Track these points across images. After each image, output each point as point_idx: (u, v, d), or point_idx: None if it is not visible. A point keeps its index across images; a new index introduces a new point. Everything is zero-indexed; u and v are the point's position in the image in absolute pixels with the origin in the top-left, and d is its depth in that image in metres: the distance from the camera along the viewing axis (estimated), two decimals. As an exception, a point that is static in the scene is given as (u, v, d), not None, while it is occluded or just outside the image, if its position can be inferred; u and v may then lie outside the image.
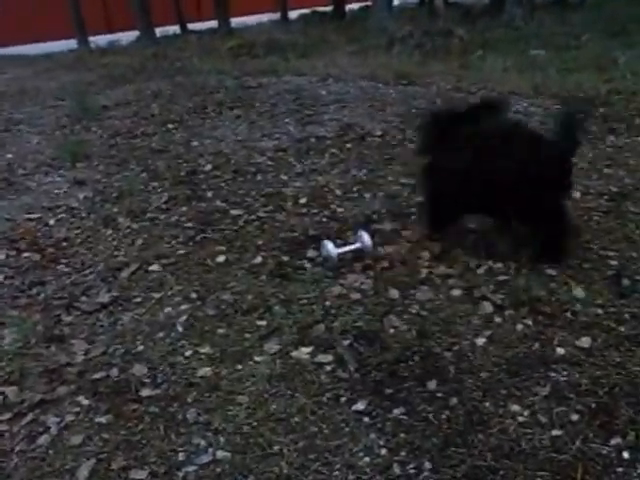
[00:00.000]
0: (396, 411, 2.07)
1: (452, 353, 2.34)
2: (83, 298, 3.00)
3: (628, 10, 13.57)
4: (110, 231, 3.76)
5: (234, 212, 3.84)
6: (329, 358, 2.36)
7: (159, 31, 18.42)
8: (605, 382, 2.12)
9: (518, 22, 12.52)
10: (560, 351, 2.29)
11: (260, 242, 3.39)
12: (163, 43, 16.27)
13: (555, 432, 1.92)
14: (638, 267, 2.84)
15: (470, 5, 18.10)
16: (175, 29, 20.36)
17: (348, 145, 5.04)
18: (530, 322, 2.48)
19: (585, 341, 2.34)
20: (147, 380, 2.34)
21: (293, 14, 21.24)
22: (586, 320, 2.48)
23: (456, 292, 2.72)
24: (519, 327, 2.46)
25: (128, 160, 5.22)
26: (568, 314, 2.52)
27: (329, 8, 21.09)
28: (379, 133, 5.30)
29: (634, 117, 5.27)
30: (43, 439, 2.10)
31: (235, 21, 19.13)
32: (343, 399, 2.15)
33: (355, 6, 22.05)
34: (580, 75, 7.13)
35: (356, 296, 2.76)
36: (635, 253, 2.97)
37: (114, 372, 2.40)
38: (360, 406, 2.10)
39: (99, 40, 17.80)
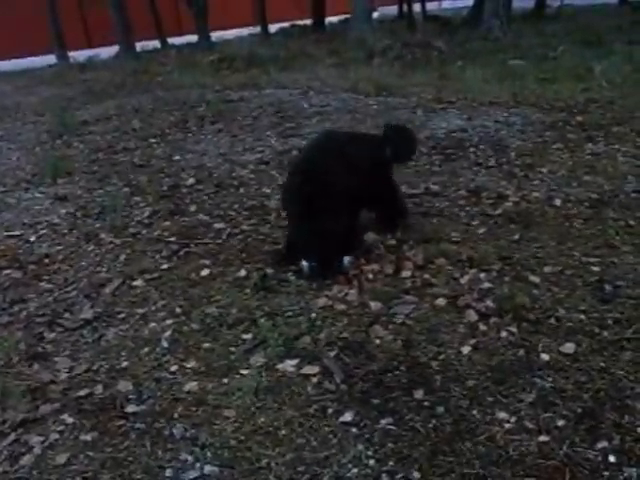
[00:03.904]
0: (383, 421, 2.07)
1: (438, 362, 2.35)
2: (66, 315, 2.97)
3: (603, 21, 13.83)
4: (92, 247, 3.74)
5: (217, 226, 3.84)
6: (315, 370, 2.35)
7: (139, 46, 18.40)
8: (590, 387, 2.14)
9: (496, 33, 12.67)
10: (545, 357, 2.31)
11: (244, 255, 3.39)
12: (143, 58, 16.24)
13: (542, 438, 1.93)
14: (619, 273, 2.87)
15: (448, 17, 18.32)
16: (155, 44, 20.34)
17: (330, 157, 5.05)
18: (514, 329, 2.50)
19: (569, 347, 2.36)
20: (132, 396, 2.32)
21: (273, 27, 21.32)
22: (570, 326, 2.50)
23: (440, 301, 2.73)
24: (504, 334, 2.47)
25: (110, 175, 5.20)
26: (552, 320, 2.54)
27: (309, 21, 21.23)
28: (361, 144, 5.32)
29: (611, 125, 5.35)
30: (26, 459, 2.06)
31: (215, 35, 19.16)
32: (330, 410, 2.14)
33: (335, 19, 22.19)
34: (558, 85, 7.23)
35: (341, 307, 2.76)
36: (616, 259, 3.01)
37: (99, 389, 2.38)
38: (347, 417, 2.10)
39: (78, 55, 17.73)
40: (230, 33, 21.23)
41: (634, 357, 2.28)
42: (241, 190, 4.49)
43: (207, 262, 3.36)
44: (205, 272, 3.24)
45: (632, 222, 3.39)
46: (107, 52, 17.99)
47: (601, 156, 4.59)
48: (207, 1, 18.15)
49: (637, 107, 5.81)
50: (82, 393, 2.36)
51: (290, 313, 2.76)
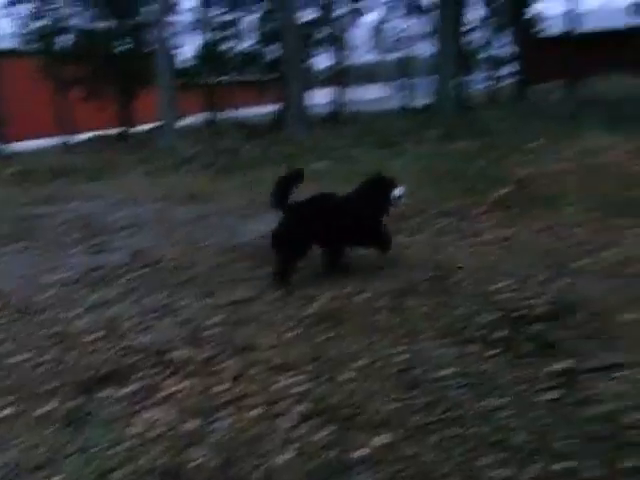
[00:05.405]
0: None
1: (258, 474, 2.31)
2: None
3: (393, 124, 15.41)
4: None
5: (20, 357, 3.54)
6: (136, 504, 2.22)
7: None
8: (404, 475, 2.22)
9: (299, 137, 13.59)
10: (359, 453, 2.37)
11: (51, 387, 3.14)
12: None
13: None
14: (423, 358, 3.08)
15: (254, 123, 19.33)
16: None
17: (142, 271, 4.96)
18: (331, 429, 2.54)
19: (384, 438, 2.44)
20: None
21: (78, 138, 20.97)
22: (383, 417, 2.60)
23: (258, 411, 2.73)
24: (321, 435, 2.51)
25: None
26: (366, 415, 2.62)
27: (115, 131, 21.22)
28: (173, 256, 5.31)
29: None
30: None
31: (15, 146, 18.41)
32: None
33: (143, 128, 22.38)
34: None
35: (157, 431, 2.64)
36: (418, 346, 3.23)
37: None
38: None
39: None
40: (32, 144, 20.49)
41: (439, 439, 2.41)
42: (46, 314, 4.22)
43: (11, 398, 3.06)
44: (7, 411, 2.95)
45: (426, 309, 3.70)
46: None
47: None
48: (5, 111, 17.52)
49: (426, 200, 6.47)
50: None
51: (105, 445, 2.58)
